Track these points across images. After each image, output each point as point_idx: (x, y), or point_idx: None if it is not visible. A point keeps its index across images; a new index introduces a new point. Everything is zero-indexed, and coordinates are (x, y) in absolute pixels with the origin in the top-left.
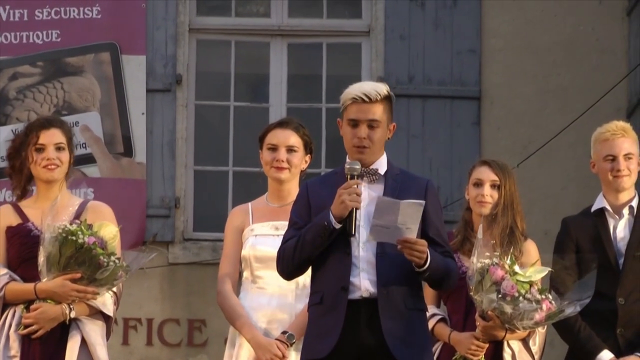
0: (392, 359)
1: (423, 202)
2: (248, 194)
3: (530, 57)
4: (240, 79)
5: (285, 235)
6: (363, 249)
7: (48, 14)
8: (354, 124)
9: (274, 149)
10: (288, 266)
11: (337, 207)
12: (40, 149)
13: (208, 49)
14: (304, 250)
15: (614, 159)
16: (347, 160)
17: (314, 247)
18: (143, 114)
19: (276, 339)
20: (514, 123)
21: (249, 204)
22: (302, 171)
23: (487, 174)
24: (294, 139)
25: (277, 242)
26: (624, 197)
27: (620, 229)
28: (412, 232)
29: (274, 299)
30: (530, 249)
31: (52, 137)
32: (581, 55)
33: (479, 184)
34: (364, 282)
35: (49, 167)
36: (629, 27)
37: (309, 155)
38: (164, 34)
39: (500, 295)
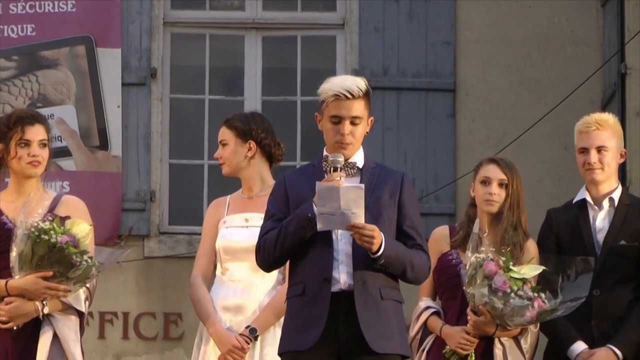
0: (369, 351)
1: (362, 185)
2: (223, 187)
3: (504, 49)
4: (215, 72)
5: (263, 227)
6: (341, 241)
7: (23, 8)
8: (337, 120)
9: (224, 145)
10: (269, 258)
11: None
12: (25, 145)
13: (182, 43)
14: (286, 242)
15: (586, 151)
16: (325, 153)
17: (296, 239)
18: (118, 107)
19: (240, 334)
20: (488, 115)
21: (228, 196)
22: (251, 157)
23: (495, 173)
24: (221, 134)
25: (246, 234)
26: (604, 188)
27: (599, 221)
28: (358, 217)
29: (239, 291)
30: (531, 247)
31: (37, 133)
32: (556, 47)
33: (486, 182)
34: (342, 275)
35: (34, 163)
36: (603, 19)
37: (250, 141)
38: (138, 27)
39: (491, 290)
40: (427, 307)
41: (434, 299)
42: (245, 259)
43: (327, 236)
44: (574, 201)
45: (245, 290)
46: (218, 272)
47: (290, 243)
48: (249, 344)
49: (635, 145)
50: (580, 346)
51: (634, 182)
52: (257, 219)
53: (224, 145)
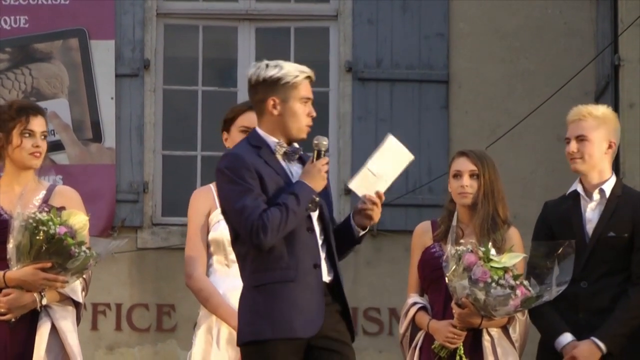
0: (352, 337)
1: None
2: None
3: (498, 41)
4: (208, 63)
5: (252, 205)
6: (319, 227)
7: (16, 0)
8: (306, 101)
9: (246, 131)
10: (272, 236)
11: (319, 182)
12: (30, 135)
13: (176, 34)
14: (294, 222)
15: (569, 141)
16: (263, 134)
17: (299, 219)
18: (112, 98)
19: None
20: (482, 107)
21: (210, 186)
22: None
23: (465, 165)
24: None
25: None
26: (595, 179)
27: (589, 212)
28: (387, 185)
29: None
30: (513, 236)
31: (40, 124)
32: (549, 39)
33: (458, 175)
34: (324, 261)
35: (36, 154)
36: (596, 11)
37: None
38: (131, 18)
39: (472, 281)
40: (414, 303)
41: (421, 295)
42: None
43: (309, 221)
44: (568, 192)
45: None
46: (220, 264)
47: (294, 223)
48: None
49: (628, 137)
50: (566, 338)
51: (628, 174)
52: None
53: None
